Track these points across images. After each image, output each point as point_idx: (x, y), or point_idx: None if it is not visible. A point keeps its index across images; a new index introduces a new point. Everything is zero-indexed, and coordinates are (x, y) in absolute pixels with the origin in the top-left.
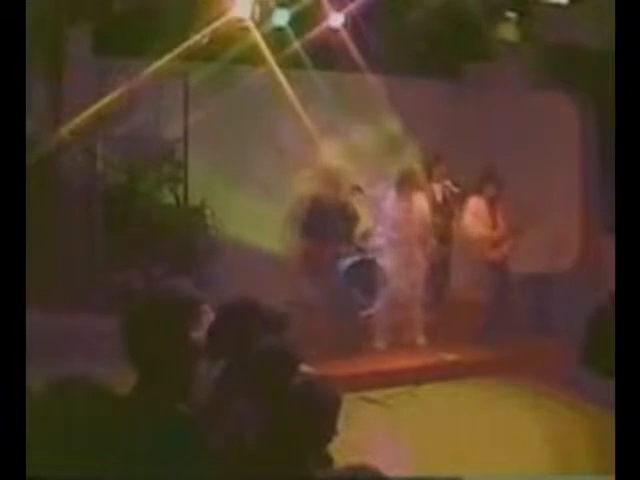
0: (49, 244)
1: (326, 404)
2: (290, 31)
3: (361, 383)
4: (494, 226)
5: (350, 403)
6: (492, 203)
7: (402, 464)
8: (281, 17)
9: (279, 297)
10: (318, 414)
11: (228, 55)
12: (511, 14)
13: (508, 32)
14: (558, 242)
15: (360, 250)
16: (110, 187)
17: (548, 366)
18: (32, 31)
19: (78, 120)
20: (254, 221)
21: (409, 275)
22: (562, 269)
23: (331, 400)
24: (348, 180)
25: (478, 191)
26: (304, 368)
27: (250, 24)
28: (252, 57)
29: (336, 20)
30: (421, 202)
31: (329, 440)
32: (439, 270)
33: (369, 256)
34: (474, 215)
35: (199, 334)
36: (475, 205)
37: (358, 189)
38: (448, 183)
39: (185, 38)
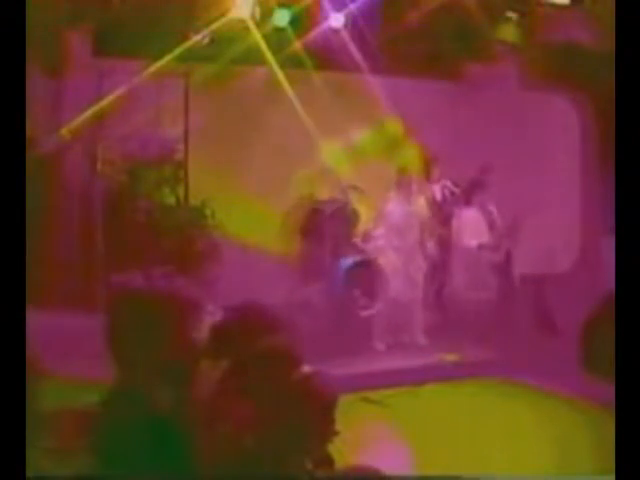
0: (49, 244)
1: (322, 402)
2: (290, 31)
3: (361, 383)
4: (491, 229)
5: (351, 403)
6: (484, 208)
7: (402, 464)
8: (281, 17)
9: (279, 297)
10: (315, 412)
11: (228, 55)
12: (511, 14)
13: (508, 32)
14: (558, 242)
15: (360, 250)
16: (110, 187)
17: (548, 366)
18: (32, 31)
19: (78, 120)
20: (254, 221)
21: (409, 275)
22: (562, 269)
23: (328, 397)
24: (347, 180)
25: (467, 202)
26: (304, 368)
27: (250, 24)
28: (252, 57)
29: (336, 20)
30: (421, 202)
31: (328, 440)
32: (439, 270)
33: (369, 256)
34: (469, 228)
35: (199, 334)
36: (468, 218)
37: (355, 188)
38: (448, 183)
39: (185, 38)
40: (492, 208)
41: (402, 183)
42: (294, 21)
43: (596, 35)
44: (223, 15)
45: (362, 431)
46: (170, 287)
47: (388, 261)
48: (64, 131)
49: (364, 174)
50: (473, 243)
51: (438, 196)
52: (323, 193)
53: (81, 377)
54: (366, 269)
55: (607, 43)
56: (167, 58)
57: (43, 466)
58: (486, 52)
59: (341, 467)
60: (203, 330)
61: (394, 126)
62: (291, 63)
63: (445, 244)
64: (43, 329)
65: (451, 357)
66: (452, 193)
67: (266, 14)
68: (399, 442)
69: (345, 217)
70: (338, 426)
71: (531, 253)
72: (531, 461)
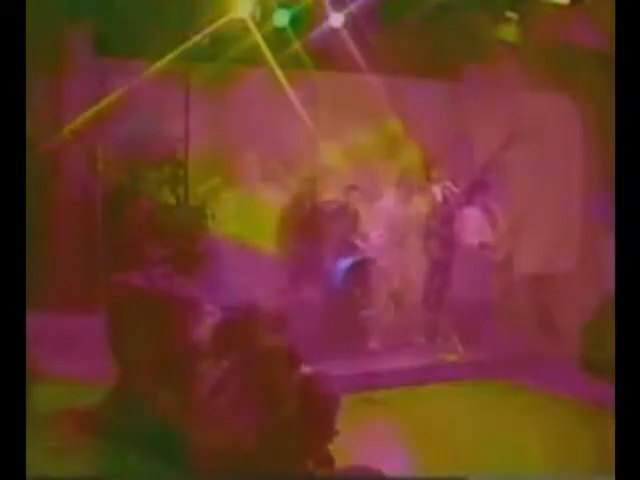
0: (49, 244)
1: (323, 402)
2: (290, 31)
3: (361, 383)
4: (492, 228)
5: (351, 403)
6: (486, 208)
7: (402, 464)
8: (282, 17)
9: (279, 297)
10: (316, 412)
11: (228, 55)
12: (511, 14)
13: (508, 32)
14: (558, 242)
15: (360, 250)
16: (110, 187)
17: (548, 366)
18: (32, 31)
19: (78, 120)
20: (254, 221)
21: (409, 275)
22: (562, 269)
23: (329, 398)
24: (347, 180)
25: (469, 201)
26: (304, 368)
27: (250, 24)
28: (252, 57)
29: (336, 20)
30: (421, 202)
31: (329, 440)
32: (439, 270)
33: (369, 256)
34: (470, 227)
35: (200, 334)
36: (470, 217)
37: (355, 188)
38: (448, 184)
39: (185, 38)
40: (495, 208)
41: (403, 183)
42: (294, 21)
43: (596, 35)
44: (223, 15)
45: (362, 431)
46: (170, 287)
47: (388, 261)
48: (65, 131)
49: (364, 174)
50: (474, 241)
51: (439, 197)
52: (323, 193)
53: (81, 377)
54: (365, 269)
55: (607, 43)
56: (167, 58)
57: (43, 467)
58: (486, 52)
59: (341, 467)
60: (203, 330)
61: (394, 126)
62: (291, 63)
63: (445, 244)
64: (43, 330)
65: (451, 357)
66: (453, 194)
67: (266, 14)
68: (399, 442)
69: (345, 217)
70: (338, 426)
71: (531, 253)
72: (531, 461)
